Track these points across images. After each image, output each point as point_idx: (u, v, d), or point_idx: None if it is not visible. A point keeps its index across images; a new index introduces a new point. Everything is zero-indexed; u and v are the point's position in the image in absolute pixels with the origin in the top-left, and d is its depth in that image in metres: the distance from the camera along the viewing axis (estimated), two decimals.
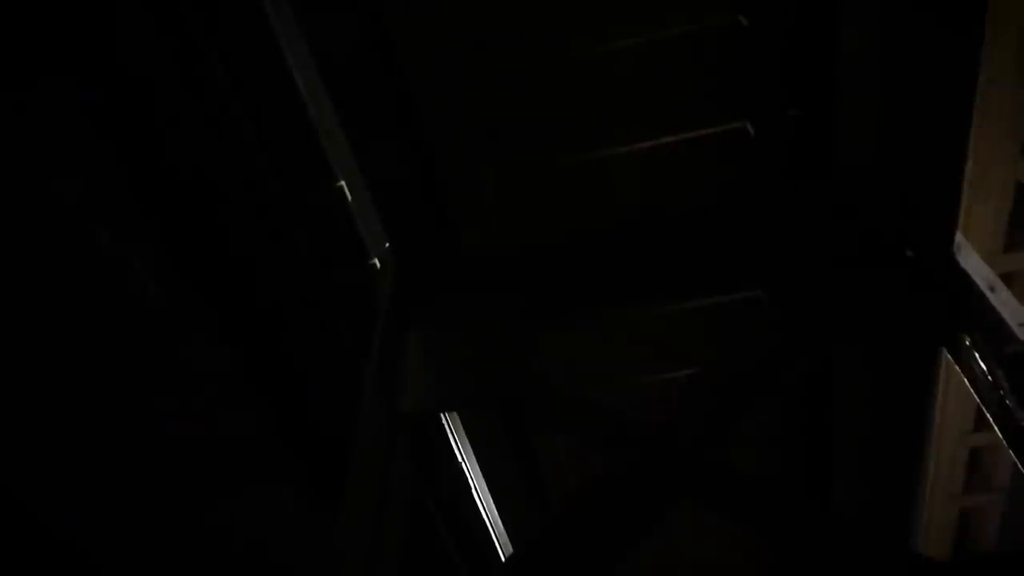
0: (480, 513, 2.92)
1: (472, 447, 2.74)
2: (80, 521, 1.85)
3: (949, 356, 2.00)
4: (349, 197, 2.40)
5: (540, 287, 2.39)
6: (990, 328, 1.85)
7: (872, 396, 2.47)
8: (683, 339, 2.57)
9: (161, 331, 2.27)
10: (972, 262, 1.99)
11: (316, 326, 2.57)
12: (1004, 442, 1.81)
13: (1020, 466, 1.78)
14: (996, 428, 1.83)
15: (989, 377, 1.81)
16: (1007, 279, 3.00)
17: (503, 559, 3.01)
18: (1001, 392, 1.77)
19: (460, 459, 2.75)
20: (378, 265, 2.50)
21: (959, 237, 2.04)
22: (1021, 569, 1.62)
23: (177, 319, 2.27)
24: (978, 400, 1.90)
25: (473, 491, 2.84)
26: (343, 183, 2.37)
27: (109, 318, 2.12)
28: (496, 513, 2.95)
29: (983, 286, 1.90)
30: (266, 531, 2.61)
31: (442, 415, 2.61)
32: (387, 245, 2.47)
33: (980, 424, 3.31)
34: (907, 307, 2.05)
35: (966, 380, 1.93)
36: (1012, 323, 1.80)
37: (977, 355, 1.86)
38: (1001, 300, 1.86)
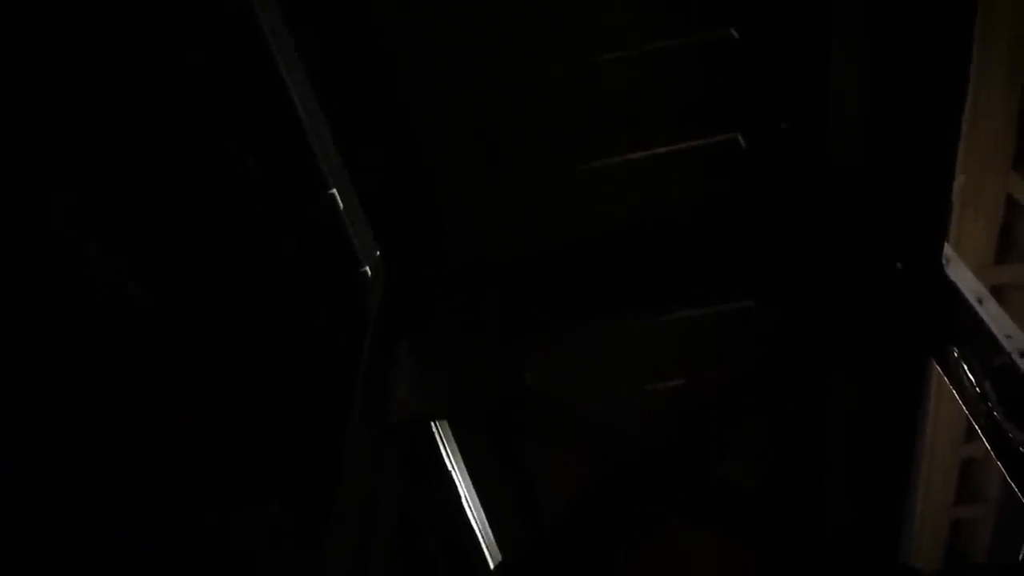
0: (469, 522, 2.91)
1: (461, 456, 2.74)
2: (63, 531, 1.83)
3: (939, 369, 2.01)
4: (340, 205, 2.40)
5: (530, 297, 2.39)
6: (979, 340, 1.85)
7: (862, 407, 2.47)
8: (673, 350, 2.57)
9: (148, 342, 2.25)
10: (961, 275, 1.99)
11: (306, 334, 2.56)
12: (993, 454, 1.81)
13: (1009, 478, 1.78)
14: (985, 440, 1.84)
15: (977, 389, 1.81)
16: (998, 291, 3.03)
17: (491, 569, 3.00)
18: (989, 404, 1.78)
19: (449, 467, 2.74)
20: (369, 273, 2.50)
21: (948, 250, 2.05)
22: None
23: (164, 329, 2.26)
24: (967, 412, 1.90)
25: (462, 499, 2.83)
26: (334, 191, 2.37)
27: (95, 328, 2.11)
28: (485, 522, 2.94)
29: (972, 299, 1.91)
30: (254, 544, 2.59)
31: (431, 424, 2.61)
32: (378, 254, 2.46)
33: (972, 435, 3.31)
34: (896, 319, 2.05)
35: (955, 392, 1.93)
36: (1000, 335, 1.80)
37: (965, 367, 1.86)
38: (989, 312, 1.86)
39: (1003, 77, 2.77)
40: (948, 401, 2.96)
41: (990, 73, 2.77)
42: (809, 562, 1.80)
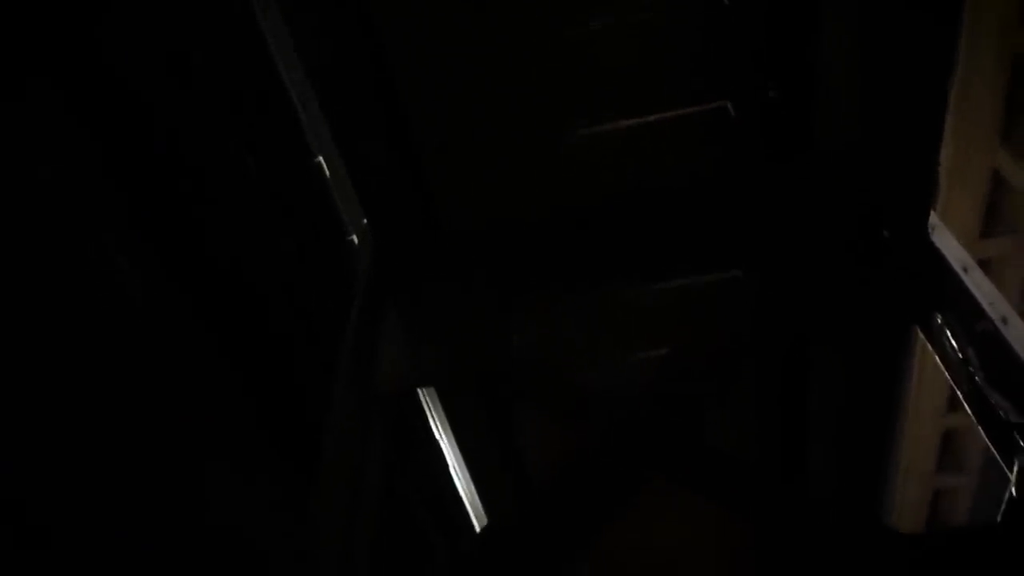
0: (456, 490, 2.93)
1: (449, 423, 2.74)
2: (58, 506, 1.82)
3: (923, 335, 2.03)
4: (327, 173, 2.38)
5: (519, 265, 2.39)
6: (963, 307, 1.87)
7: (847, 375, 2.49)
8: (662, 318, 2.58)
9: (136, 313, 2.23)
10: (947, 243, 2.01)
11: (293, 303, 2.55)
12: (974, 419, 1.84)
13: (989, 443, 1.80)
14: (966, 406, 1.86)
15: (960, 355, 1.83)
16: (983, 265, 3.04)
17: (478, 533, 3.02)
18: (971, 369, 1.80)
19: (437, 435, 2.75)
20: (356, 242, 2.49)
21: (934, 218, 2.06)
22: (989, 542, 1.65)
23: (152, 301, 2.24)
24: (950, 378, 1.92)
25: (450, 467, 2.84)
26: (320, 159, 2.35)
27: (83, 304, 2.08)
28: (473, 490, 2.96)
29: (957, 266, 1.92)
30: (241, 515, 2.59)
31: (419, 391, 2.61)
32: (365, 222, 2.45)
33: (954, 405, 3.35)
34: (882, 286, 2.07)
35: (938, 359, 1.95)
36: (984, 302, 1.81)
37: (949, 333, 1.88)
38: (974, 280, 1.88)
39: (992, 52, 2.76)
40: (931, 370, 2.99)
41: (979, 47, 2.77)
42: (793, 524, 1.82)
